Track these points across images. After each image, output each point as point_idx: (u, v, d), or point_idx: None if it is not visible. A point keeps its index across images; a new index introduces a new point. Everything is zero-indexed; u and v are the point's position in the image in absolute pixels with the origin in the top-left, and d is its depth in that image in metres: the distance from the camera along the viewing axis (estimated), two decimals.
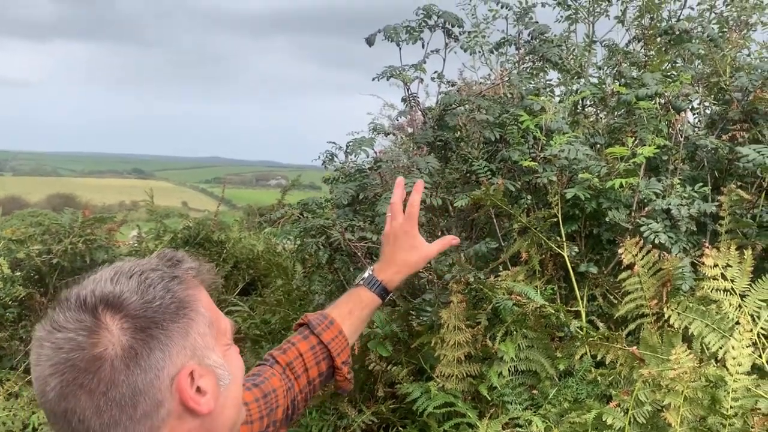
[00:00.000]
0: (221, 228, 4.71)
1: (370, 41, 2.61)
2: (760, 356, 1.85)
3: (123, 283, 0.80)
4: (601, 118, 2.97)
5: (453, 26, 2.65)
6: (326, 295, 2.84)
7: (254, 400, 1.15)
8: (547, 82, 2.97)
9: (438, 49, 2.71)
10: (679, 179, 2.37)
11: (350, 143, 2.65)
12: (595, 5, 3.11)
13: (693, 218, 2.21)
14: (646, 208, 2.25)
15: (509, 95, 2.72)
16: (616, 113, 2.76)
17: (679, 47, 2.81)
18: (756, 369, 1.83)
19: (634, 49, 3.03)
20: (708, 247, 1.99)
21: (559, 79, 3.03)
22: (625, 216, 2.28)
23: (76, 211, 4.15)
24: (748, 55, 3.15)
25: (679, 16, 3.03)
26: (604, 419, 1.82)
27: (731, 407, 1.71)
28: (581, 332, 2.15)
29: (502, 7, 2.92)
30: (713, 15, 3.10)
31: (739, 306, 1.91)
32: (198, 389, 0.80)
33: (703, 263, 1.95)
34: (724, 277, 1.93)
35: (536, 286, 2.27)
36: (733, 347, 1.79)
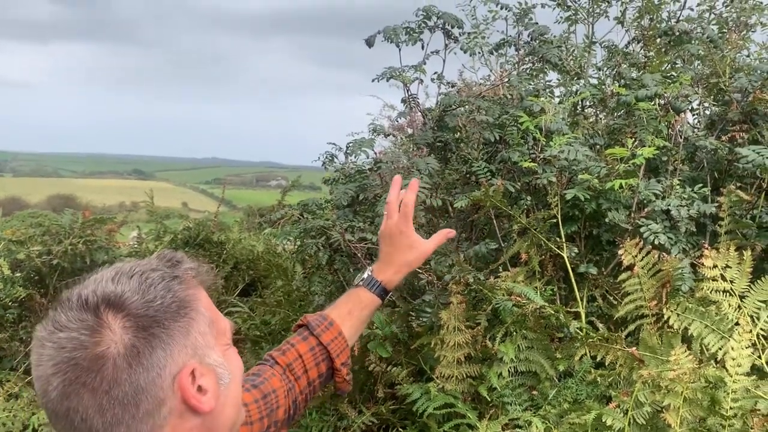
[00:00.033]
0: (221, 229, 4.71)
1: (369, 42, 2.62)
2: (760, 357, 1.85)
3: (124, 283, 0.80)
4: (600, 119, 2.97)
5: (453, 27, 2.66)
6: (326, 296, 2.85)
7: (254, 401, 1.15)
8: (547, 83, 2.97)
9: (438, 50, 2.71)
10: (679, 180, 2.37)
11: (350, 144, 2.65)
12: (595, 6, 3.11)
13: (692, 219, 2.21)
14: (646, 209, 2.25)
15: (509, 96, 2.72)
16: (615, 114, 2.76)
17: (679, 48, 2.82)
18: (755, 370, 1.84)
19: (633, 50, 3.03)
20: (707, 248, 1.99)
21: (559, 80, 3.03)
22: (624, 217, 2.28)
23: (77, 212, 4.15)
24: (748, 56, 3.16)
25: (679, 17, 3.04)
26: (603, 420, 1.82)
27: (731, 408, 1.71)
28: (581, 333, 2.15)
29: (501, 8, 2.93)
30: (713, 16, 3.10)
31: (739, 307, 1.91)
32: (199, 388, 0.81)
33: (703, 264, 1.96)
34: (723, 278, 1.93)
35: (536, 287, 2.28)
36: (732, 348, 1.79)
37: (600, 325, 2.24)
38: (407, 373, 2.40)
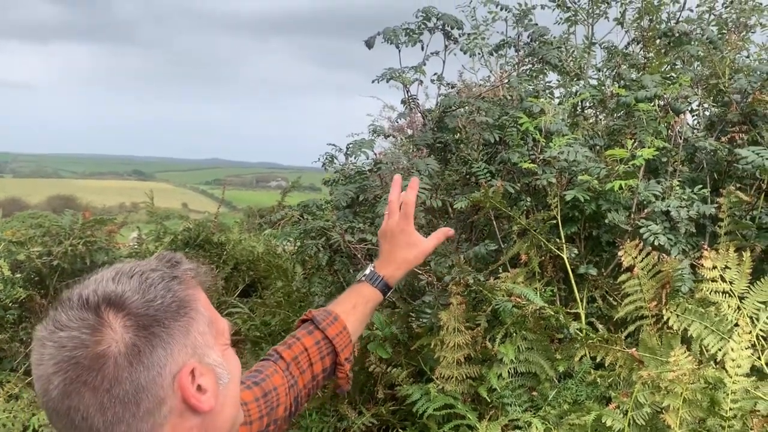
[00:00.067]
0: (221, 230, 4.71)
1: (369, 44, 2.62)
2: (759, 358, 1.85)
3: (124, 283, 0.81)
4: (600, 119, 2.97)
5: (452, 28, 2.66)
6: (326, 297, 2.85)
7: (254, 399, 1.15)
8: (547, 84, 2.98)
9: (437, 51, 2.72)
10: (679, 181, 2.37)
11: (350, 145, 2.65)
12: (595, 7, 3.11)
13: (692, 220, 2.21)
14: (646, 210, 2.26)
15: (509, 97, 2.73)
16: (615, 115, 2.76)
17: (679, 49, 2.82)
18: (755, 371, 1.84)
19: (633, 51, 3.03)
20: (707, 249, 1.99)
21: (559, 81, 3.03)
22: (624, 218, 2.28)
23: (77, 212, 4.15)
24: (747, 57, 3.16)
25: (678, 18, 3.04)
26: (603, 421, 1.82)
27: (730, 409, 1.71)
28: (581, 334, 2.15)
29: (501, 9, 2.93)
30: (712, 17, 3.11)
31: (738, 308, 1.92)
32: (199, 387, 0.81)
33: (702, 265, 1.96)
34: (723, 278, 1.93)
35: (536, 288, 2.28)
36: (732, 349, 1.79)
37: (600, 326, 2.24)
38: (407, 374, 2.40)
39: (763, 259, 2.29)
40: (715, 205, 2.25)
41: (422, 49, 2.66)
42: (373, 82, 2.65)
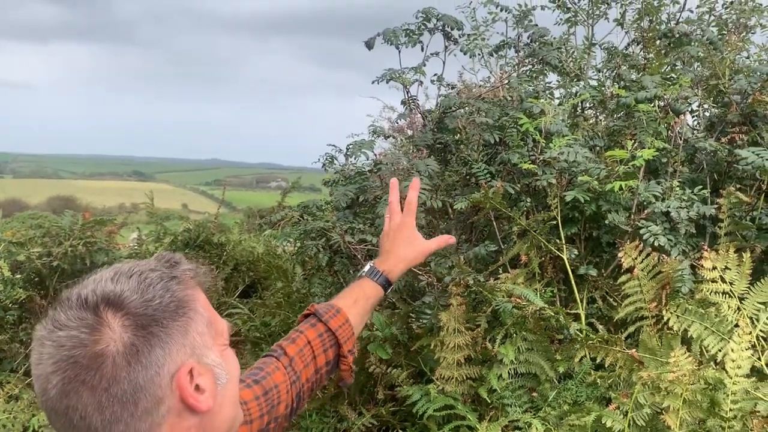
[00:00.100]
0: (221, 230, 4.71)
1: (369, 45, 2.62)
2: (759, 359, 1.85)
3: (123, 283, 0.81)
4: (600, 120, 2.97)
5: (452, 29, 2.66)
6: (326, 298, 2.84)
7: (254, 398, 1.15)
8: (547, 85, 2.98)
9: (437, 51, 2.72)
10: (679, 182, 2.37)
11: (350, 146, 2.66)
12: (595, 8, 3.11)
13: (692, 221, 2.21)
14: (646, 211, 2.26)
15: (509, 98, 2.73)
16: (615, 116, 2.76)
17: (679, 50, 2.82)
18: (755, 371, 1.84)
19: (633, 52, 3.03)
20: (707, 250, 2.00)
21: (559, 82, 3.03)
22: (624, 218, 2.28)
23: (77, 213, 4.15)
24: (747, 58, 3.16)
25: (678, 18, 3.04)
26: (603, 422, 1.82)
27: (730, 410, 1.71)
28: (581, 335, 2.15)
29: (501, 10, 2.93)
30: (712, 18, 3.11)
31: (738, 308, 1.92)
32: (197, 387, 0.81)
33: (702, 266, 1.96)
34: (723, 279, 1.93)
35: (536, 289, 2.28)
36: (732, 350, 1.79)
37: (600, 327, 2.24)
38: (407, 374, 2.40)
39: (763, 260, 2.29)
40: (715, 206, 2.25)
41: (422, 49, 2.66)
42: (373, 82, 2.65)
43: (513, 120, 2.49)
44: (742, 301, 1.93)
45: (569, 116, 2.72)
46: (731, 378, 1.75)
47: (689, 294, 2.04)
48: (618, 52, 2.97)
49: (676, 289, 2.04)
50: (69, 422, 0.78)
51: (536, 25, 2.86)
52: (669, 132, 2.47)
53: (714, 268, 1.94)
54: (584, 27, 3.16)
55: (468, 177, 2.62)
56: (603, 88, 2.81)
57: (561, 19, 3.15)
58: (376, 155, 2.83)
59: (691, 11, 3.09)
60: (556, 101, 2.80)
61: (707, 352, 1.93)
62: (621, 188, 2.18)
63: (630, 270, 2.09)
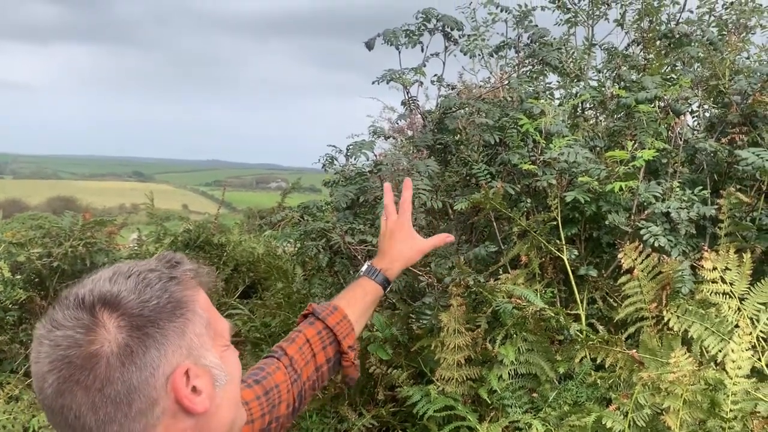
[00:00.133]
0: (221, 231, 4.71)
1: (369, 45, 2.62)
2: (760, 359, 1.85)
3: (121, 283, 0.81)
4: (600, 121, 2.97)
5: (452, 30, 2.66)
6: (326, 298, 2.84)
7: (255, 398, 1.15)
8: (547, 86, 2.98)
9: (438, 52, 2.72)
10: (679, 182, 2.37)
11: (350, 146, 2.66)
12: (595, 8, 3.11)
13: (692, 221, 2.21)
14: (646, 212, 2.26)
15: (509, 98, 2.73)
16: (615, 116, 2.76)
17: (679, 51, 2.82)
18: (755, 372, 1.84)
19: (633, 53, 3.03)
20: (707, 251, 2.00)
21: (559, 83, 3.03)
22: (624, 219, 2.28)
23: (77, 214, 4.15)
24: (747, 59, 3.16)
25: (679, 19, 3.04)
26: (603, 422, 1.82)
27: (731, 410, 1.71)
28: (581, 335, 2.15)
29: (501, 11, 2.93)
30: (712, 18, 3.11)
31: (739, 309, 1.91)
32: (194, 388, 0.81)
33: (703, 266, 1.96)
34: (723, 280, 1.93)
35: (536, 290, 2.28)
36: (732, 350, 1.79)
37: (600, 328, 2.24)
38: (407, 375, 2.40)
39: (763, 261, 2.29)
40: (716, 207, 2.25)
41: (422, 50, 2.66)
42: (373, 83, 2.65)
43: (513, 120, 2.49)
44: (743, 302, 1.93)
45: (569, 117, 2.72)
46: (731, 379, 1.75)
47: (689, 295, 2.04)
48: (618, 53, 2.98)
49: (677, 289, 2.04)
50: (65, 421, 0.78)
51: (536, 25, 2.86)
52: (669, 132, 2.47)
53: (714, 268, 1.94)
54: (584, 27, 3.16)
55: (468, 177, 2.62)
56: (603, 89, 2.81)
57: (561, 20, 3.15)
58: (376, 156, 2.83)
59: (691, 12, 3.10)
60: (557, 102, 2.80)
61: (707, 352, 1.93)
62: (621, 189, 2.19)
63: (630, 271, 2.09)
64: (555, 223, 2.30)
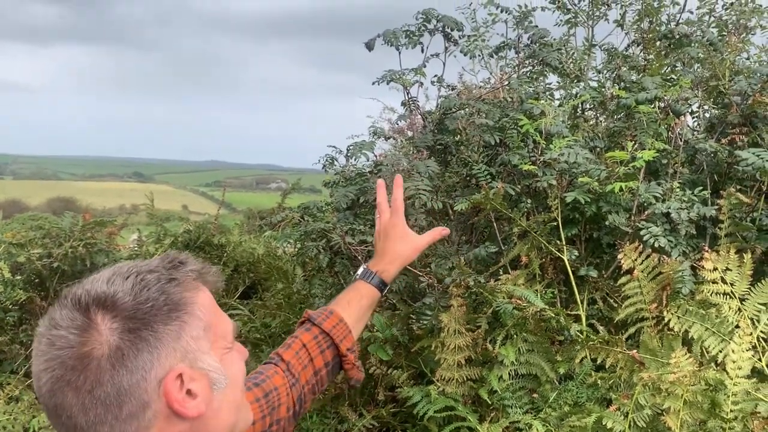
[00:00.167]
0: (222, 231, 4.71)
1: (369, 46, 2.62)
2: (760, 360, 1.85)
3: (118, 284, 0.81)
4: (600, 121, 2.98)
5: (452, 30, 2.66)
6: (326, 299, 2.84)
7: (255, 399, 1.16)
8: (547, 86, 2.98)
9: (438, 53, 2.72)
10: (679, 183, 2.37)
11: (350, 147, 2.66)
12: (595, 9, 3.11)
13: (693, 222, 2.21)
14: (646, 212, 2.26)
15: (509, 99, 2.73)
16: (615, 117, 2.76)
17: (679, 51, 2.82)
18: (756, 372, 1.84)
19: (633, 53, 3.03)
20: (708, 251, 1.99)
21: (559, 83, 3.03)
22: (624, 220, 2.28)
23: (77, 214, 4.15)
24: (748, 59, 3.16)
25: (679, 20, 3.04)
26: (604, 423, 1.82)
27: (731, 411, 1.71)
28: (581, 336, 2.15)
29: (501, 11, 2.93)
30: (712, 19, 3.11)
31: (739, 309, 1.91)
32: (189, 392, 0.81)
33: (703, 267, 1.96)
34: (723, 280, 1.93)
35: (536, 290, 2.28)
36: (732, 351, 1.79)
37: (600, 328, 2.24)
38: (408, 376, 2.40)
39: (764, 261, 2.29)
40: (716, 207, 2.25)
41: (422, 50, 2.66)
42: (373, 84, 2.65)
43: (513, 121, 2.49)
44: (743, 302, 1.93)
45: (569, 117, 2.72)
46: (732, 379, 1.75)
47: (690, 295, 2.04)
48: (618, 54, 2.98)
49: (677, 290, 2.04)
50: (58, 419, 0.79)
51: (536, 26, 2.86)
52: (669, 133, 2.47)
53: (715, 269, 1.94)
54: (584, 28, 3.16)
55: (468, 178, 2.62)
56: (603, 90, 2.81)
57: (561, 21, 3.15)
58: (376, 156, 2.83)
59: (691, 12, 3.10)
60: (557, 102, 2.81)
61: (708, 353, 1.93)
62: (621, 189, 2.19)
63: (630, 271, 2.09)
64: (555, 223, 2.31)
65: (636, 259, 2.08)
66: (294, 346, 1.30)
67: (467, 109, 2.71)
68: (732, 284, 1.93)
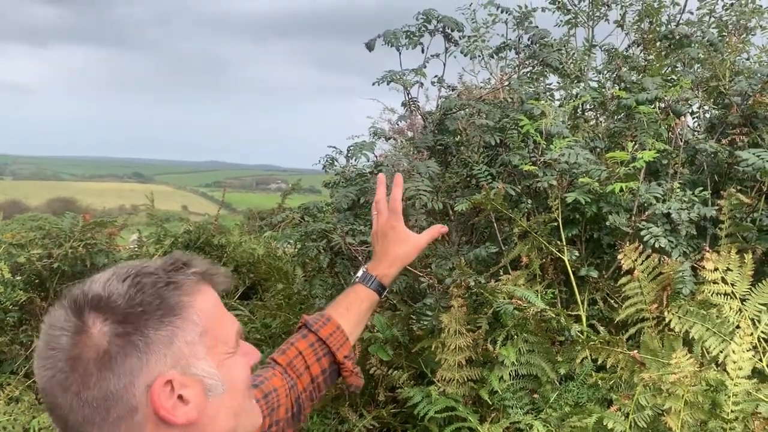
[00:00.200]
0: (222, 232, 4.71)
1: (369, 46, 2.62)
2: (761, 360, 1.85)
3: (114, 286, 0.81)
4: (601, 122, 2.98)
5: (453, 31, 2.66)
6: (327, 299, 2.84)
7: (254, 401, 1.15)
8: (547, 87, 2.98)
9: (438, 53, 2.72)
10: (679, 183, 2.37)
11: (351, 147, 2.66)
12: (595, 10, 3.12)
13: (693, 222, 2.21)
14: (647, 212, 2.26)
15: (509, 99, 2.73)
16: (616, 117, 2.76)
17: (679, 51, 2.82)
18: (756, 373, 1.84)
19: (633, 54, 3.03)
20: (708, 251, 1.99)
21: (559, 84, 3.03)
22: (625, 220, 2.28)
23: (77, 215, 4.14)
24: (748, 59, 3.16)
25: (679, 20, 3.04)
26: (605, 423, 1.82)
27: (732, 411, 1.71)
28: (582, 336, 2.15)
29: (501, 12, 2.93)
30: (712, 19, 3.11)
31: (740, 310, 1.91)
32: (180, 398, 0.80)
33: (704, 267, 1.95)
34: (724, 281, 1.93)
35: (537, 290, 2.28)
36: (733, 351, 1.79)
37: (601, 329, 2.24)
38: (408, 376, 2.40)
39: (764, 261, 2.29)
40: (716, 208, 2.25)
41: (423, 51, 2.67)
42: (373, 84, 2.65)
43: (514, 122, 2.49)
44: (744, 303, 1.92)
45: (570, 118, 2.72)
46: (732, 379, 1.75)
47: (690, 295, 2.04)
48: (618, 54, 2.98)
49: (677, 290, 2.04)
50: (53, 415, 0.81)
51: (536, 26, 2.86)
52: (669, 134, 2.47)
53: (715, 269, 1.93)
54: (584, 29, 3.16)
55: (469, 178, 2.62)
56: (603, 90, 2.81)
57: (561, 21, 3.16)
58: (376, 157, 2.83)
59: (692, 13, 3.10)
60: (557, 103, 2.81)
61: (708, 353, 1.93)
62: (622, 190, 2.19)
63: (630, 272, 2.09)
64: (556, 224, 2.30)
65: (636, 260, 2.08)
66: (289, 353, 1.29)
67: (468, 110, 2.71)
68: (733, 285, 1.93)
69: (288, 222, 3.45)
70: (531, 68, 2.86)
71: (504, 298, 2.20)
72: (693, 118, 2.89)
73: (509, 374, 2.18)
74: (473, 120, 2.66)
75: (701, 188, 2.31)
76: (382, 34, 2.61)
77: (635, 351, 1.96)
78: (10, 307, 3.58)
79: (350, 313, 1.39)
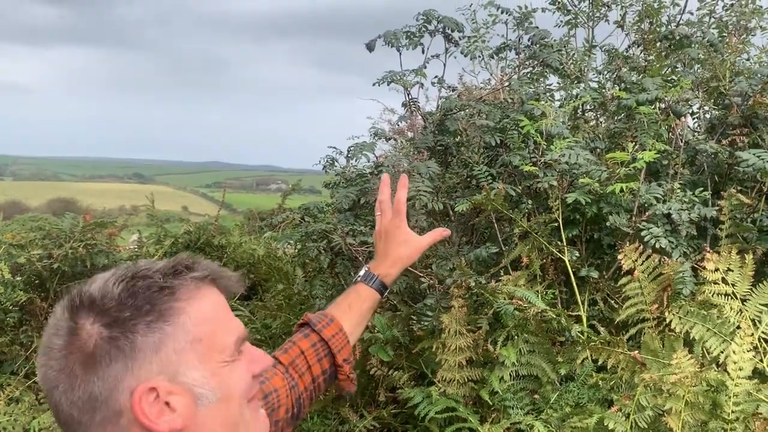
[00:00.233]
0: (222, 232, 4.70)
1: (370, 47, 2.62)
2: (761, 360, 1.85)
3: (108, 288, 0.81)
4: (601, 122, 2.98)
5: (453, 31, 2.67)
6: (327, 300, 2.84)
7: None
8: (548, 87, 2.98)
9: (438, 54, 2.72)
10: (680, 184, 2.37)
11: (351, 148, 2.66)
12: (595, 10, 3.12)
13: (693, 223, 2.21)
14: (647, 213, 2.26)
15: (509, 100, 2.73)
16: (616, 118, 2.76)
17: (679, 52, 2.82)
18: (757, 373, 1.83)
19: (633, 54, 3.04)
20: (709, 252, 1.99)
21: (559, 84, 3.04)
22: (625, 220, 2.28)
23: (77, 215, 4.14)
24: (748, 60, 3.16)
25: (679, 20, 3.04)
26: (605, 424, 1.82)
27: (732, 412, 1.71)
28: (582, 337, 2.15)
29: (501, 12, 2.93)
30: (713, 20, 3.11)
31: (740, 310, 1.91)
32: (167, 405, 0.79)
33: (704, 267, 1.95)
34: (724, 281, 1.93)
35: (537, 291, 2.28)
36: (734, 351, 1.79)
37: (601, 329, 2.24)
38: (408, 377, 2.40)
39: (765, 262, 2.29)
40: (716, 208, 2.25)
41: (423, 51, 2.67)
42: (374, 84, 2.65)
43: (514, 122, 2.49)
44: (744, 303, 1.92)
45: (570, 118, 2.72)
46: (733, 380, 1.75)
47: (691, 296, 2.04)
48: (618, 54, 2.98)
49: (678, 290, 2.04)
50: (52, 411, 0.83)
51: (537, 27, 2.87)
52: (670, 134, 2.47)
53: (716, 269, 1.93)
54: (585, 29, 3.17)
55: (469, 179, 2.62)
56: (604, 90, 2.81)
57: (561, 22, 3.16)
58: (376, 157, 2.83)
59: (692, 13, 3.10)
60: (557, 103, 2.81)
61: (709, 353, 1.93)
62: (622, 190, 2.19)
63: (631, 272, 2.09)
64: (556, 224, 2.30)
65: (637, 260, 2.08)
66: (291, 353, 1.29)
67: (468, 110, 2.71)
68: (733, 285, 1.93)
69: (288, 222, 3.46)
70: (531, 69, 2.86)
71: (504, 299, 2.20)
72: (693, 119, 2.89)
73: (510, 375, 2.18)
74: (473, 120, 2.66)
75: (701, 189, 2.31)
76: (382, 35, 2.61)
77: (636, 351, 1.96)
78: (11, 307, 3.58)
79: (352, 312, 1.39)
